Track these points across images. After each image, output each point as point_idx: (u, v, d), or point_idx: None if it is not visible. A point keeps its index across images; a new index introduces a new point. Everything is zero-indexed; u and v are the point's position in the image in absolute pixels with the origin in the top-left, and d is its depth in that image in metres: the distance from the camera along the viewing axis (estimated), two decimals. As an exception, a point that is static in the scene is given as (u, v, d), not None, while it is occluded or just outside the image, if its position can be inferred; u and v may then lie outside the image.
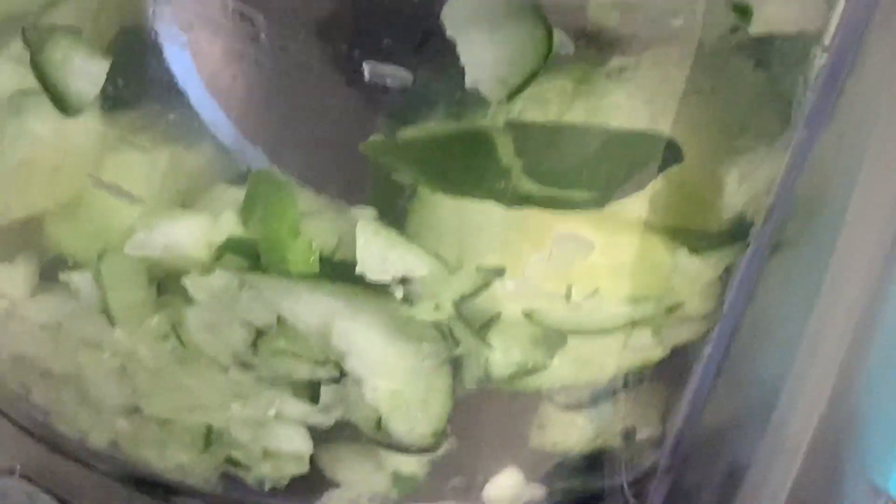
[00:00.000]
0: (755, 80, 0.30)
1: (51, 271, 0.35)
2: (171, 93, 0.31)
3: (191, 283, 0.33)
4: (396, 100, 0.30)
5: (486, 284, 0.32)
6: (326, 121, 0.31)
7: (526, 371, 0.34)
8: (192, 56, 0.30)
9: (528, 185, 0.30)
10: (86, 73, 0.30)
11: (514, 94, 0.29)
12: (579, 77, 0.29)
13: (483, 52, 0.28)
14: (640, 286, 0.33)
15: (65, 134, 0.32)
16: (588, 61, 0.29)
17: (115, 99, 0.31)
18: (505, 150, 0.30)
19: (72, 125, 0.32)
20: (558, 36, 0.28)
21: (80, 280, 0.34)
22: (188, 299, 0.33)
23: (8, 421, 0.38)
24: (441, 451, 0.36)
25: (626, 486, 0.38)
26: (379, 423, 0.35)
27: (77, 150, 0.32)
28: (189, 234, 0.32)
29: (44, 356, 0.36)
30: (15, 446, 0.39)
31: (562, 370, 0.34)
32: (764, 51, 0.30)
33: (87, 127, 0.31)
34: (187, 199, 0.32)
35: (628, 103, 0.30)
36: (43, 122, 0.32)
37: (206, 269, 0.32)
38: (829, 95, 0.30)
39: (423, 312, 0.33)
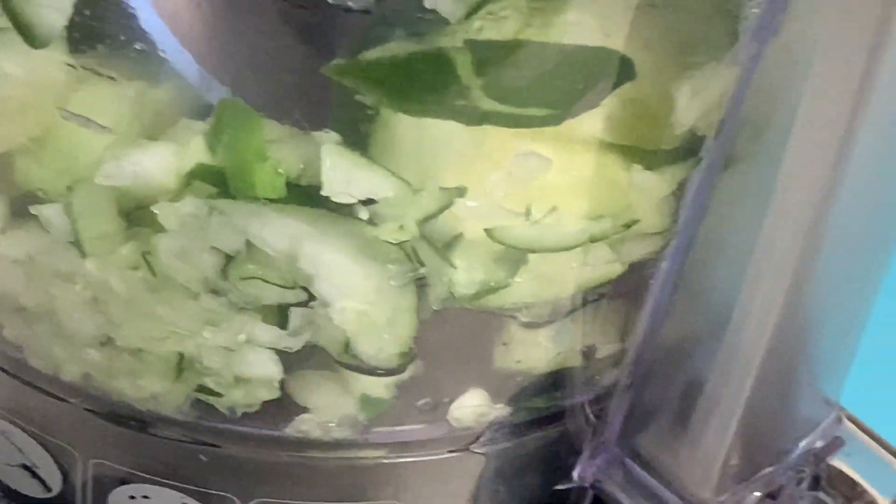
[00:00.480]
0: None
1: (22, 207, 0.35)
2: (135, 25, 0.30)
3: (160, 210, 0.33)
4: (358, 22, 0.30)
5: (448, 204, 0.33)
6: (288, 46, 0.31)
7: (488, 289, 0.34)
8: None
9: (487, 104, 0.31)
10: (52, 4, 0.30)
11: (471, 12, 0.29)
12: None
13: None
14: (598, 203, 0.34)
15: (33, 68, 0.32)
16: None
17: (81, 31, 0.31)
18: (464, 68, 0.30)
19: (40, 58, 0.31)
20: None
21: (50, 213, 0.34)
22: (158, 227, 0.33)
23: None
24: (407, 373, 0.36)
25: (586, 404, 0.38)
26: (347, 346, 0.35)
27: (46, 84, 0.32)
28: (158, 163, 0.32)
29: (16, 291, 0.36)
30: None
31: (523, 288, 0.35)
32: None
33: (55, 59, 0.31)
34: (156, 130, 0.32)
35: (581, 20, 0.30)
36: (11, 57, 0.31)
37: (175, 196, 0.32)
38: (775, 10, 0.30)
39: (388, 233, 0.33)
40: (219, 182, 0.33)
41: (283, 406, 0.37)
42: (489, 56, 0.31)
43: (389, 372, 0.36)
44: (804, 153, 0.33)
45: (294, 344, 0.35)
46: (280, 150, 0.32)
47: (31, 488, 0.40)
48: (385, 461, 0.38)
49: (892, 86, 0.32)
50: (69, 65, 0.32)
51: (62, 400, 0.37)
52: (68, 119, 0.32)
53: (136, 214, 0.34)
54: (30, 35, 0.31)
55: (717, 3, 0.31)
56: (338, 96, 0.31)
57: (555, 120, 0.32)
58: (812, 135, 0.33)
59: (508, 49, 0.31)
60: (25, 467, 0.40)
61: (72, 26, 0.31)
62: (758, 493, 0.39)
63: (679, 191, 0.34)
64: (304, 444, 0.38)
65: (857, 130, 0.32)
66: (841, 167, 0.33)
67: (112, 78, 0.32)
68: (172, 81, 0.32)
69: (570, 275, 0.35)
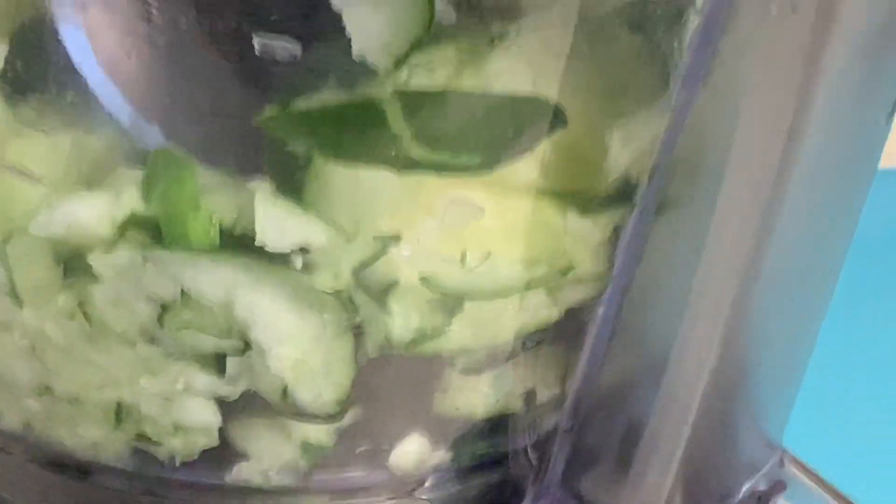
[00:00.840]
0: (633, 44, 0.31)
1: None
2: (70, 75, 0.30)
3: (95, 260, 0.33)
4: (288, 72, 0.30)
5: (382, 251, 0.33)
6: (220, 95, 0.31)
7: (425, 336, 0.34)
8: (87, 37, 0.30)
9: (418, 151, 0.31)
10: None
11: (399, 62, 0.29)
12: (463, 45, 0.29)
13: (368, 22, 0.28)
14: (533, 249, 0.34)
15: None
16: (471, 29, 0.30)
17: (14, 83, 0.31)
18: (395, 117, 0.30)
19: None
20: (440, 4, 0.29)
21: None
22: (93, 277, 0.33)
23: None
24: (347, 419, 0.36)
25: (529, 448, 0.38)
26: (285, 393, 0.35)
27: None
28: (92, 213, 0.32)
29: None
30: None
31: (460, 334, 0.35)
32: (640, 15, 0.31)
33: None
34: (91, 180, 0.32)
35: (511, 69, 0.30)
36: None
37: (110, 246, 0.32)
38: (704, 57, 0.30)
39: (323, 281, 0.33)
40: (153, 231, 0.32)
41: (223, 454, 0.36)
42: (419, 105, 0.31)
43: (328, 419, 0.36)
44: (737, 196, 0.33)
45: (232, 392, 0.35)
46: (213, 197, 0.32)
47: None
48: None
49: (822, 128, 0.32)
50: (2, 116, 0.32)
51: (2, 449, 0.37)
52: (1, 171, 0.32)
53: (71, 264, 0.34)
54: None
55: (647, 52, 0.31)
56: (270, 145, 0.31)
57: (486, 167, 0.32)
58: (744, 178, 0.33)
59: (438, 98, 0.31)
60: None
61: (3, 78, 0.31)
62: None
63: (614, 236, 0.35)
64: (246, 491, 0.38)
65: (789, 173, 0.33)
66: (774, 209, 0.33)
67: (45, 130, 0.32)
68: (107, 129, 0.32)
69: (506, 321, 0.35)
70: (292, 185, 0.32)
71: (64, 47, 0.31)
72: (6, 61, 0.31)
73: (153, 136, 0.32)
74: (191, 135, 0.32)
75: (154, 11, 0.29)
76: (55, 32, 0.30)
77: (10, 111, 0.32)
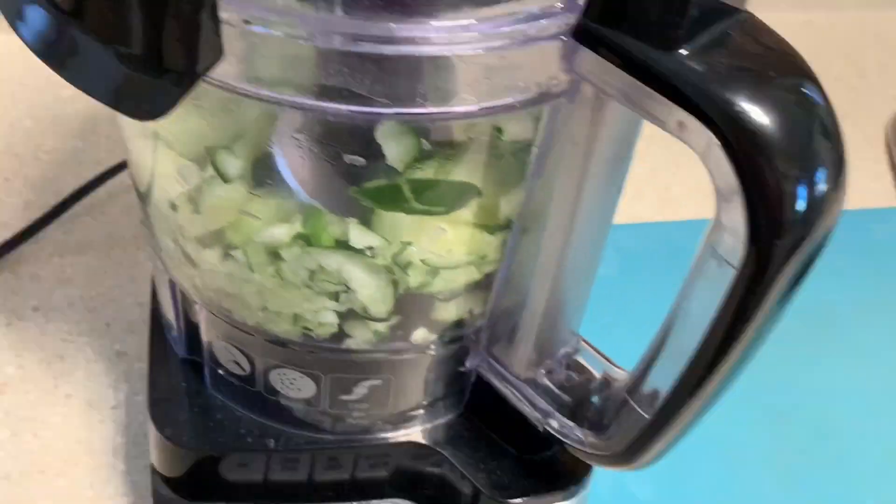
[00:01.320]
0: (510, 159, 0.32)
1: (226, 254, 0.36)
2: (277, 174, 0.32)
3: (283, 251, 0.34)
4: (360, 170, 0.31)
5: (404, 249, 0.34)
6: (334, 181, 0.32)
7: (424, 285, 0.35)
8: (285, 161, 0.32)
9: (417, 205, 0.32)
10: (234, 162, 0.32)
11: (407, 166, 0.31)
12: (436, 160, 0.31)
13: (392, 149, 0.30)
14: (469, 248, 0.34)
15: (229, 195, 0.34)
16: (439, 154, 0.31)
17: (251, 176, 0.32)
18: (406, 190, 0.32)
19: (231, 189, 0.33)
20: (424, 145, 0.31)
21: (237, 254, 0.35)
22: (282, 259, 0.35)
23: (214, 315, 0.38)
24: (391, 320, 0.37)
25: (472, 333, 0.39)
26: (364, 308, 0.36)
27: (233, 199, 0.33)
28: (283, 232, 0.34)
29: (224, 286, 0.37)
30: (221, 328, 0.39)
31: (439, 285, 0.35)
32: (510, 147, 0.31)
33: (238, 189, 0.33)
34: (282, 220, 0.33)
35: (458, 171, 0.32)
36: (217, 187, 0.33)
37: (290, 247, 0.34)
38: (540, 164, 0.32)
39: (379, 261, 0.34)
40: (306, 240, 0.34)
41: (340, 335, 0.37)
42: (418, 185, 0.32)
43: (383, 320, 0.36)
44: (552, 225, 0.35)
45: (342, 308, 0.36)
46: (334, 227, 0.34)
47: (237, 370, 0.40)
48: (384, 357, 0.38)
49: (589, 194, 0.33)
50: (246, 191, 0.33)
51: (249, 334, 0.37)
52: (245, 215, 0.34)
53: (271, 253, 0.35)
54: (224, 177, 0.33)
55: (516, 162, 0.32)
56: (357, 202, 0.32)
57: (448, 212, 0.33)
58: (555, 215, 0.34)
59: (427, 182, 0.32)
60: (235, 362, 0.40)
61: (244, 174, 0.33)
62: (542, 370, 0.39)
63: (504, 242, 0.35)
64: (351, 351, 0.38)
65: (576, 214, 0.34)
66: (572, 232, 0.35)
67: (258, 195, 0.33)
68: (290, 198, 0.33)
69: (459, 278, 0.35)
70: (366, 219, 0.33)
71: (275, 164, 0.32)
72: (245, 165, 0.32)
73: (307, 200, 0.33)
74: (323, 198, 0.33)
75: (307, 148, 0.31)
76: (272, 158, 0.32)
77: (251, 192, 0.33)
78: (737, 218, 0.26)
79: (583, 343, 0.38)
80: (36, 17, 0.28)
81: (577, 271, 0.35)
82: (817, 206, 0.26)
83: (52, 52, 0.27)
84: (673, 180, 0.65)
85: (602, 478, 0.47)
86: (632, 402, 0.33)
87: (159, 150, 0.33)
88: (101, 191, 0.59)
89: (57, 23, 0.27)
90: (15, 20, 0.28)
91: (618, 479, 0.50)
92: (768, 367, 0.51)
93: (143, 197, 0.36)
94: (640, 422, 0.33)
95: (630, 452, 0.35)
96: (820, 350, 0.56)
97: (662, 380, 0.32)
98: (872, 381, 0.54)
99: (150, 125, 0.32)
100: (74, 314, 0.55)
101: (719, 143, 0.25)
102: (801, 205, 0.25)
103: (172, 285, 0.40)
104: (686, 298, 0.29)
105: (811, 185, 0.26)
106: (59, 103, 0.64)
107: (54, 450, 0.49)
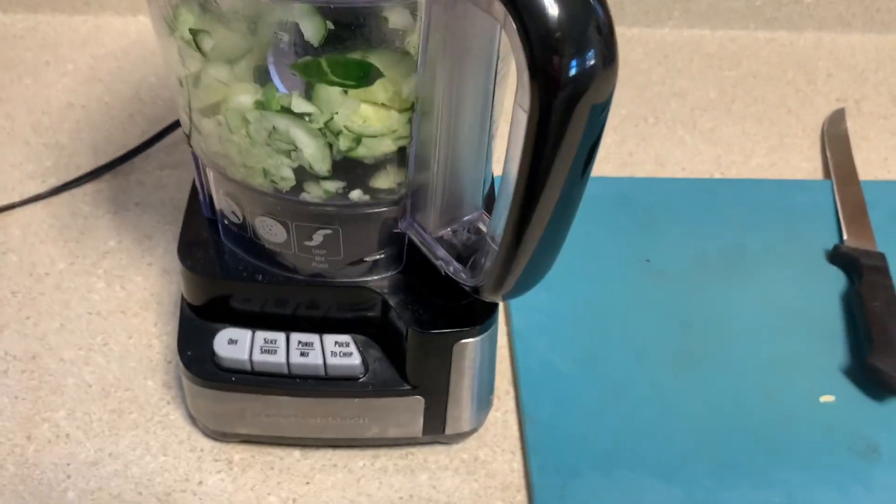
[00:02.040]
0: (399, 47, 0.33)
1: (212, 118, 0.38)
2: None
3: (249, 115, 0.36)
4: (296, 50, 0.33)
5: (332, 118, 0.36)
6: (279, 59, 0.35)
7: (351, 149, 0.37)
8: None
9: (333, 78, 0.34)
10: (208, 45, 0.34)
11: (320, 45, 0.32)
12: (342, 41, 0.32)
13: (307, 28, 0.32)
14: (383, 122, 0.36)
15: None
16: (342, 35, 0.32)
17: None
18: (324, 65, 0.33)
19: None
20: (328, 24, 0.33)
21: (220, 118, 0.36)
22: (248, 122, 0.37)
23: (216, 174, 0.40)
24: (334, 180, 0.38)
25: (402, 200, 0.41)
26: (310, 165, 0.38)
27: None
28: (248, 100, 0.36)
29: (219, 149, 0.39)
30: (222, 184, 0.41)
31: (362, 150, 0.37)
32: (396, 35, 0.33)
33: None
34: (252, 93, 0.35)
35: (360, 52, 0.33)
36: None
37: (252, 110, 0.36)
38: (423, 53, 0.33)
39: (315, 124, 0.35)
40: (262, 106, 0.36)
41: (298, 189, 0.38)
42: (331, 62, 0.33)
43: (327, 178, 0.38)
44: (438, 109, 0.36)
45: (294, 164, 0.37)
46: (283, 97, 0.34)
47: (234, 220, 0.42)
48: (334, 211, 0.40)
49: (463, 75, 0.35)
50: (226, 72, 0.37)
51: (239, 186, 0.40)
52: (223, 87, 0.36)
53: (242, 118, 0.36)
54: (204, 54, 0.37)
55: (406, 46, 0.33)
56: (297, 77, 0.34)
57: (358, 86, 0.34)
58: (439, 103, 0.36)
59: (337, 59, 0.34)
60: (233, 212, 0.42)
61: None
62: (450, 230, 0.41)
63: (410, 121, 0.36)
64: (308, 203, 0.39)
65: (455, 102, 0.36)
66: (454, 116, 0.36)
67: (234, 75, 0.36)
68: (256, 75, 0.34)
69: (378, 146, 0.36)
70: (306, 94, 0.34)
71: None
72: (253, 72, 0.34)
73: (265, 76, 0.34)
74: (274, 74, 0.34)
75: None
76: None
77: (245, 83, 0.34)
78: (527, 80, 0.28)
79: (485, 215, 0.39)
80: None
81: (465, 152, 0.36)
82: (586, 75, 0.28)
83: None
84: (636, 149, 0.66)
85: (532, 355, 0.51)
86: (488, 241, 0.36)
87: (175, 45, 0.35)
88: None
89: None
90: None
91: (544, 355, 0.53)
92: (685, 288, 0.57)
93: (175, 89, 0.38)
94: (493, 255, 0.36)
95: (495, 282, 0.37)
96: (729, 281, 0.58)
97: (502, 219, 0.34)
98: (765, 306, 0.56)
99: (170, 29, 0.34)
100: (164, 209, 0.61)
101: (512, 21, 0.28)
102: (572, 72, 0.28)
103: (195, 157, 0.43)
104: (508, 149, 0.31)
105: (581, 60, 0.28)
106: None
107: (135, 298, 0.55)
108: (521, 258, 0.32)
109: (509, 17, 0.27)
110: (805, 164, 0.68)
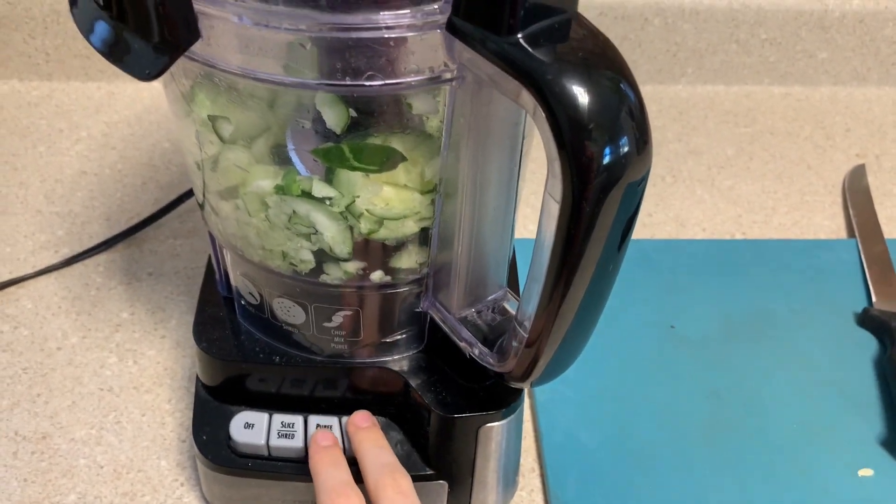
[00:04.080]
0: (422, 131, 0.32)
1: (230, 201, 0.38)
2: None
3: (269, 199, 0.36)
4: (316, 136, 0.33)
5: (354, 201, 0.35)
6: (301, 144, 0.34)
7: (371, 232, 0.36)
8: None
9: (355, 164, 0.33)
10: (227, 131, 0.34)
11: (343, 132, 0.32)
12: (364, 127, 0.32)
13: (329, 116, 0.32)
14: (404, 204, 0.35)
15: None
16: (365, 121, 0.32)
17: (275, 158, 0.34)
18: (346, 151, 0.33)
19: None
20: (350, 111, 0.32)
21: (238, 202, 0.36)
22: (268, 206, 0.36)
23: (234, 255, 0.40)
24: (355, 261, 0.38)
25: (423, 280, 0.40)
26: (331, 248, 0.37)
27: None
28: (267, 184, 0.35)
29: (237, 231, 0.39)
30: (240, 265, 0.40)
31: (384, 232, 0.36)
32: (419, 120, 0.33)
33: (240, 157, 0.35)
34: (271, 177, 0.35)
35: (382, 137, 0.33)
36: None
37: (271, 195, 0.36)
38: (447, 137, 0.33)
39: (336, 208, 0.35)
40: (281, 190, 0.35)
41: (317, 271, 0.38)
42: (354, 147, 0.33)
43: (346, 260, 0.37)
44: (463, 191, 0.35)
45: (314, 247, 0.37)
46: (303, 181, 0.34)
47: (252, 301, 0.42)
48: (354, 292, 0.39)
49: (488, 157, 0.34)
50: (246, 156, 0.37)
51: (257, 268, 0.40)
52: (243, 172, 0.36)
53: (262, 202, 0.36)
54: (222, 139, 0.36)
55: (430, 130, 0.33)
56: (317, 162, 0.34)
57: (380, 170, 0.34)
58: (463, 186, 0.36)
59: (359, 145, 0.33)
60: (250, 293, 0.42)
61: (273, 156, 0.34)
62: (474, 311, 0.40)
63: (433, 203, 0.35)
64: (327, 285, 0.38)
65: (480, 185, 0.35)
66: (478, 199, 0.35)
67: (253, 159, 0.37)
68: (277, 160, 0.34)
69: (400, 228, 0.36)
70: (326, 178, 0.34)
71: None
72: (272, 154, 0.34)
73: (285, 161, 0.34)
74: (295, 159, 0.34)
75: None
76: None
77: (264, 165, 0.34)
78: (559, 169, 0.27)
79: (509, 294, 0.38)
80: (100, 27, 0.32)
81: (489, 233, 0.35)
82: (620, 162, 0.27)
83: (112, 51, 0.30)
84: (655, 209, 0.66)
85: (556, 429, 0.49)
86: (517, 326, 0.34)
87: (193, 128, 0.35)
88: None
89: (113, 29, 0.31)
90: (88, 35, 0.32)
91: (570, 430, 0.51)
92: (712, 355, 0.55)
93: (191, 170, 0.38)
94: (522, 340, 0.34)
95: (521, 368, 0.36)
96: (757, 346, 0.56)
97: (532, 304, 0.32)
98: (796, 373, 0.54)
99: (187, 110, 0.34)
100: (177, 279, 0.60)
101: (543, 111, 0.27)
102: (606, 160, 0.27)
103: (212, 238, 0.43)
104: (539, 235, 0.30)
105: (615, 147, 0.27)
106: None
107: (147, 374, 0.54)
108: (553, 344, 0.31)
109: (539, 106, 0.26)
110: (828, 221, 0.66)
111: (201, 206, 0.39)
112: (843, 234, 0.65)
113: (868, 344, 0.57)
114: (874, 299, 0.59)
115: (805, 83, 0.78)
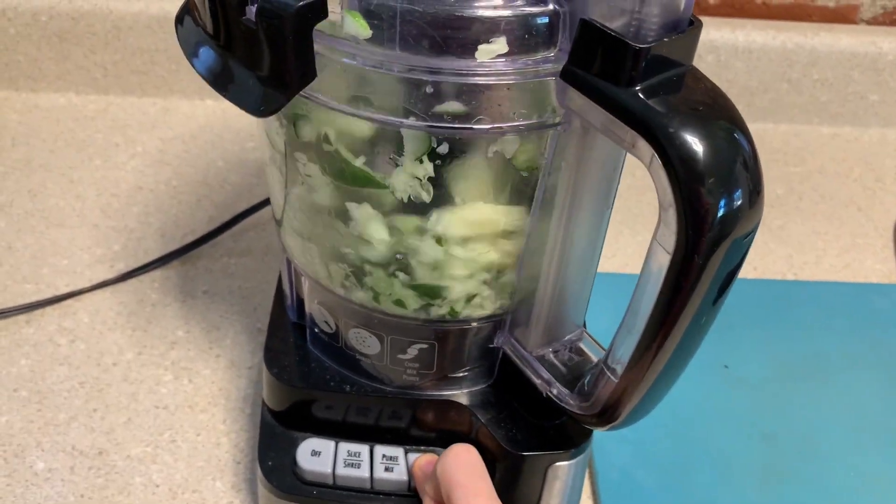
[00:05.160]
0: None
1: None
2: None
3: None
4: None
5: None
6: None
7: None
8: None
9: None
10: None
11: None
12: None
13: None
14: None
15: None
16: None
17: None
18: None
19: None
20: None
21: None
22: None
23: (323, 289, 0.39)
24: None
25: (503, 319, 0.40)
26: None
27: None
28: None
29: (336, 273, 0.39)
30: (318, 293, 0.41)
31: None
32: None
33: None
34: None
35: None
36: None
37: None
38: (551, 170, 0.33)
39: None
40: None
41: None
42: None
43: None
44: (553, 237, 0.36)
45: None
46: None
47: (326, 329, 0.42)
48: (433, 326, 0.39)
49: (585, 203, 0.35)
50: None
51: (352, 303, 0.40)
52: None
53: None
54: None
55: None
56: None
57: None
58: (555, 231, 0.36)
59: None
60: (325, 322, 0.42)
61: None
62: (550, 350, 0.40)
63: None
64: (407, 318, 0.38)
65: (571, 229, 0.35)
66: (568, 242, 0.35)
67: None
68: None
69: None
70: None
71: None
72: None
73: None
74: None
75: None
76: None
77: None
78: (673, 219, 0.27)
79: (585, 334, 0.39)
80: (206, 54, 0.32)
81: (574, 273, 0.35)
82: (734, 215, 0.27)
83: (217, 79, 0.30)
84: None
85: (612, 467, 0.49)
86: (605, 370, 0.34)
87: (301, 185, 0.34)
88: (265, 212, 0.65)
89: (220, 56, 0.31)
90: (192, 57, 0.32)
91: (626, 469, 0.50)
92: (766, 397, 0.55)
93: (277, 203, 0.38)
94: (610, 385, 0.34)
95: (605, 412, 0.35)
96: (812, 390, 0.56)
97: (625, 350, 0.32)
98: (852, 419, 0.54)
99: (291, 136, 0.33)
100: (232, 298, 0.60)
101: (660, 161, 0.27)
102: (721, 213, 0.27)
103: (289, 264, 0.43)
104: (641, 281, 0.30)
105: (729, 200, 0.27)
106: (244, 151, 0.72)
107: (202, 393, 0.54)
108: (641, 391, 0.30)
109: (656, 156, 0.26)
110: (879, 265, 0.66)
111: (279, 223, 0.39)
112: (894, 278, 0.64)
113: (922, 392, 0.54)
114: (929, 347, 0.56)
115: (855, 124, 0.78)
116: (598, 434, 0.49)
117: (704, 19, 0.75)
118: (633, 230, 0.67)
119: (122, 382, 0.54)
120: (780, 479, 0.51)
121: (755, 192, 0.26)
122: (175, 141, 0.73)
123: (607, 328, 0.34)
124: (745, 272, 0.64)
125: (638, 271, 0.28)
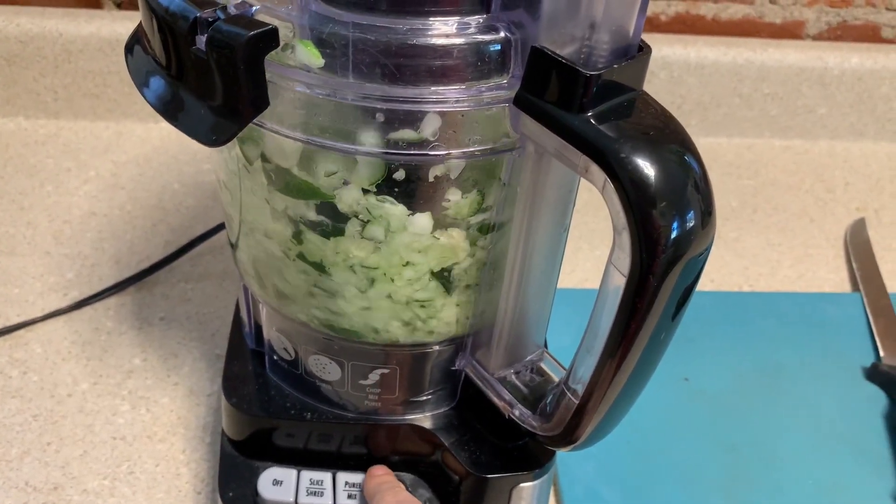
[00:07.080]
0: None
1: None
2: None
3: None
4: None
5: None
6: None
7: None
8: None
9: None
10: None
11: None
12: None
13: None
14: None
15: None
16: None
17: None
18: None
19: None
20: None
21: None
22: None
23: (272, 310, 0.39)
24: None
25: (463, 340, 0.39)
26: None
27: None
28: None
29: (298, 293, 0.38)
30: (276, 321, 0.40)
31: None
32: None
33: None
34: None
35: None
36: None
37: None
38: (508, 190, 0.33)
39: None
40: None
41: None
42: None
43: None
44: (511, 258, 0.36)
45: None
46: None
47: (286, 356, 0.42)
48: (393, 351, 0.39)
49: (541, 225, 0.35)
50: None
51: (303, 325, 0.39)
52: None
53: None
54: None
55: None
56: None
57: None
58: (513, 253, 0.36)
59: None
60: (284, 349, 0.41)
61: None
62: (512, 371, 0.40)
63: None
64: (368, 343, 0.38)
65: (528, 251, 0.35)
66: (526, 265, 0.35)
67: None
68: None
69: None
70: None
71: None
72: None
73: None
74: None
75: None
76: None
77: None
78: (627, 242, 0.27)
79: (546, 354, 0.39)
80: (156, 83, 0.31)
81: (533, 295, 0.35)
82: (687, 236, 0.27)
83: (168, 108, 0.29)
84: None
85: (577, 483, 0.49)
86: (566, 391, 0.34)
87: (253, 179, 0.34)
88: (221, 236, 0.64)
89: (170, 86, 0.31)
90: (142, 87, 0.32)
91: (590, 485, 0.51)
92: (726, 408, 0.55)
93: (234, 226, 0.38)
94: (571, 406, 0.34)
95: (566, 432, 0.35)
96: (769, 399, 0.57)
97: (585, 370, 0.32)
98: (808, 426, 0.55)
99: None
100: (190, 324, 0.59)
101: (613, 186, 0.27)
102: (674, 235, 0.27)
103: (246, 291, 0.42)
104: (598, 302, 0.31)
105: (682, 222, 0.27)
106: (200, 173, 0.71)
107: (161, 422, 0.53)
108: (602, 411, 0.31)
109: (608, 181, 0.26)
110: (832, 275, 0.68)
111: (233, 246, 0.39)
112: (846, 287, 0.66)
113: (877, 398, 0.58)
114: (882, 354, 0.60)
115: (805, 137, 0.79)
116: (562, 451, 0.50)
117: (657, 36, 0.77)
118: (591, 245, 0.67)
119: (77, 414, 0.52)
120: (743, 489, 0.51)
121: (707, 212, 0.26)
122: (129, 165, 0.72)
123: (569, 344, 0.35)
124: (703, 285, 0.65)
125: (597, 286, 0.28)
